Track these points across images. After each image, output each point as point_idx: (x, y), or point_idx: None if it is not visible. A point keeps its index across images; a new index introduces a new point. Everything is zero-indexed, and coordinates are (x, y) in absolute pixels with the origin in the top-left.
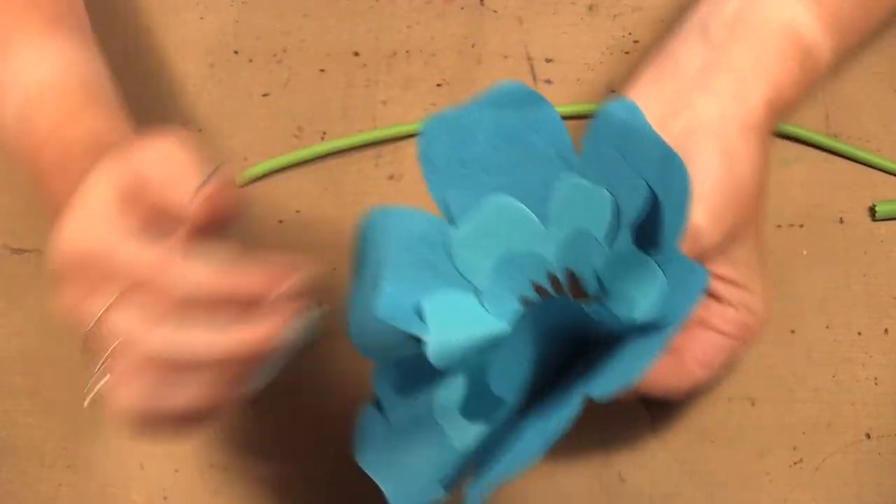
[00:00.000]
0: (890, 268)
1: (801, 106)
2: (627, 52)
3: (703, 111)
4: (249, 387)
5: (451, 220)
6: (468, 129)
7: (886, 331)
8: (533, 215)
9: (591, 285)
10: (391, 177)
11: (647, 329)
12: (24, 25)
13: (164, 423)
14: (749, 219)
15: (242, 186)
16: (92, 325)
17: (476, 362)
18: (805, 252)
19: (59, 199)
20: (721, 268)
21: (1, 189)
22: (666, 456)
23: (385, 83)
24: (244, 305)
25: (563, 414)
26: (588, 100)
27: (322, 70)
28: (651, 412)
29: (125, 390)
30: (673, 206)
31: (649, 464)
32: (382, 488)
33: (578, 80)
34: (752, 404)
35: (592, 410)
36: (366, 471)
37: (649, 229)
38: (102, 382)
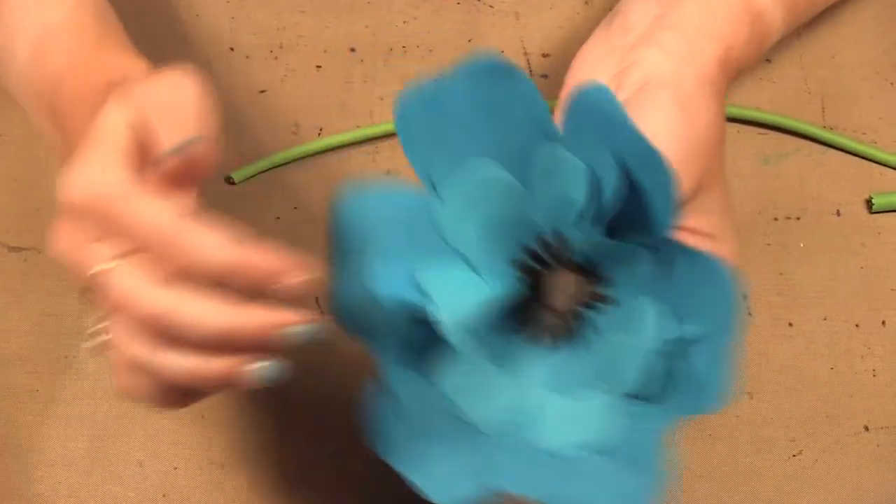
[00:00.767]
0: (887, 260)
1: (795, 98)
2: None
3: (654, 66)
4: (246, 377)
5: (434, 192)
6: (445, 101)
7: (884, 323)
8: (515, 180)
9: (577, 252)
10: (388, 172)
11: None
12: None
13: (153, 390)
14: (712, 169)
15: (239, 183)
16: (94, 272)
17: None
18: (802, 245)
19: (75, 136)
20: (690, 220)
21: None
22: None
23: (382, 79)
24: (250, 288)
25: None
26: None
27: (319, 66)
28: None
29: (118, 353)
30: (658, 196)
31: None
32: (415, 482)
33: None
34: (751, 397)
35: None
36: (390, 463)
37: (635, 218)
38: (101, 339)
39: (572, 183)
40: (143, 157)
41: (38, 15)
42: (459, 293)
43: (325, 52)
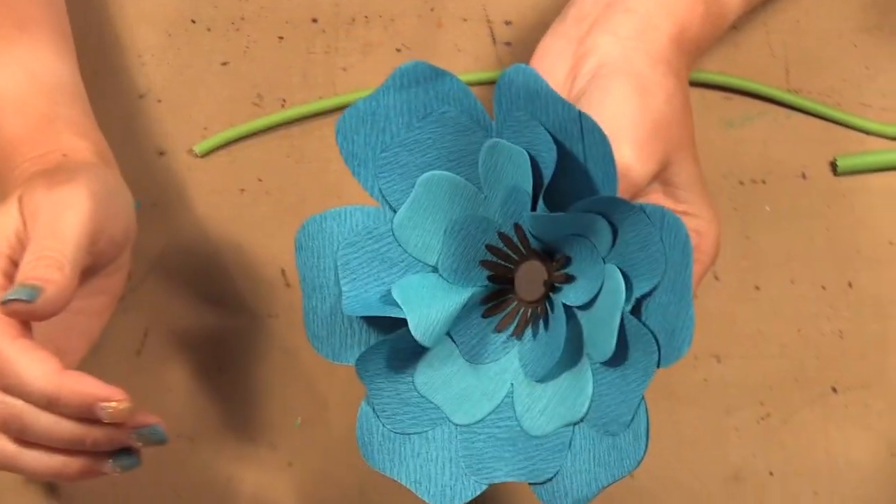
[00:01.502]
0: (852, 221)
1: (759, 61)
2: None
3: (607, 52)
4: (106, 470)
5: (391, 208)
6: (381, 116)
7: (850, 284)
8: (467, 182)
9: (537, 239)
10: None
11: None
12: None
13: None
14: (679, 144)
15: (203, 156)
16: None
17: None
18: (768, 208)
19: None
20: (662, 198)
21: None
22: None
23: (344, 49)
24: (74, 415)
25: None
26: None
27: (281, 37)
28: None
29: None
30: (597, 160)
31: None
32: (413, 490)
33: (538, 42)
34: (719, 361)
35: None
36: (385, 474)
37: (580, 187)
38: None
39: (517, 171)
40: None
41: None
42: (429, 300)
43: (287, 23)
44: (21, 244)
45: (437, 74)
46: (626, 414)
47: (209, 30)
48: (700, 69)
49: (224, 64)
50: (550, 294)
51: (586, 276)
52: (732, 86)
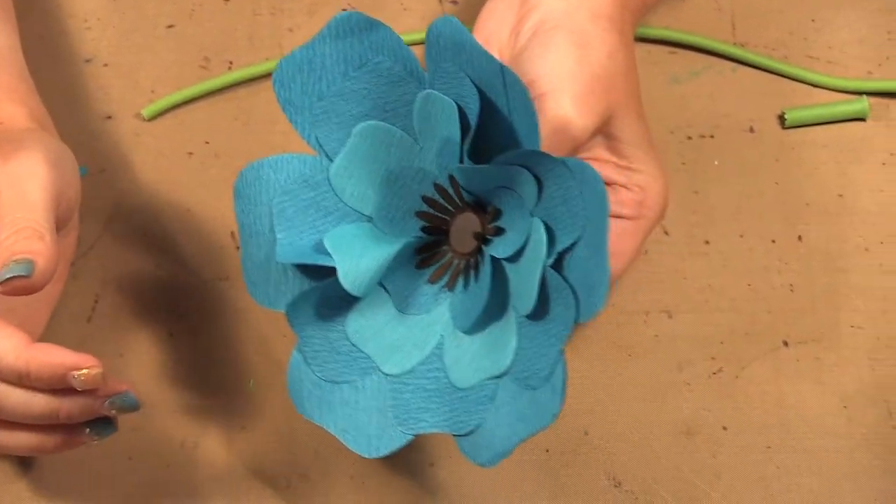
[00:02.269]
0: (801, 174)
1: (705, 15)
2: None
3: (549, 9)
4: (84, 440)
5: (327, 157)
6: (317, 64)
7: (800, 237)
8: (402, 132)
9: (468, 192)
10: None
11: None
12: None
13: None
14: (621, 100)
15: (150, 119)
16: None
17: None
18: (716, 162)
19: None
20: (606, 152)
21: None
22: (584, 370)
23: (291, 10)
24: (47, 386)
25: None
26: None
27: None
28: None
29: None
30: (520, 113)
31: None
32: (340, 439)
33: (484, 1)
34: (669, 316)
35: None
36: (314, 422)
37: (504, 138)
38: None
39: (448, 122)
40: None
41: None
42: (361, 249)
43: None
44: None
45: (372, 25)
46: (546, 368)
47: None
48: (645, 25)
49: (170, 27)
50: (483, 246)
51: (514, 228)
52: (678, 40)
